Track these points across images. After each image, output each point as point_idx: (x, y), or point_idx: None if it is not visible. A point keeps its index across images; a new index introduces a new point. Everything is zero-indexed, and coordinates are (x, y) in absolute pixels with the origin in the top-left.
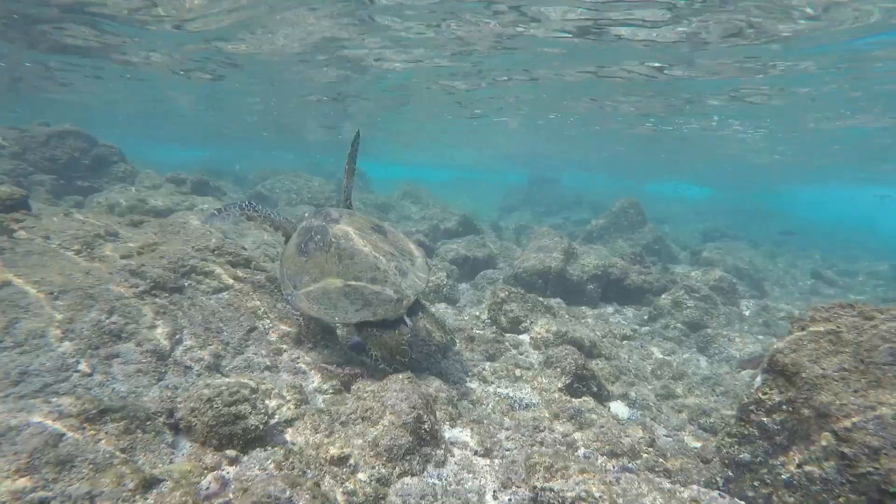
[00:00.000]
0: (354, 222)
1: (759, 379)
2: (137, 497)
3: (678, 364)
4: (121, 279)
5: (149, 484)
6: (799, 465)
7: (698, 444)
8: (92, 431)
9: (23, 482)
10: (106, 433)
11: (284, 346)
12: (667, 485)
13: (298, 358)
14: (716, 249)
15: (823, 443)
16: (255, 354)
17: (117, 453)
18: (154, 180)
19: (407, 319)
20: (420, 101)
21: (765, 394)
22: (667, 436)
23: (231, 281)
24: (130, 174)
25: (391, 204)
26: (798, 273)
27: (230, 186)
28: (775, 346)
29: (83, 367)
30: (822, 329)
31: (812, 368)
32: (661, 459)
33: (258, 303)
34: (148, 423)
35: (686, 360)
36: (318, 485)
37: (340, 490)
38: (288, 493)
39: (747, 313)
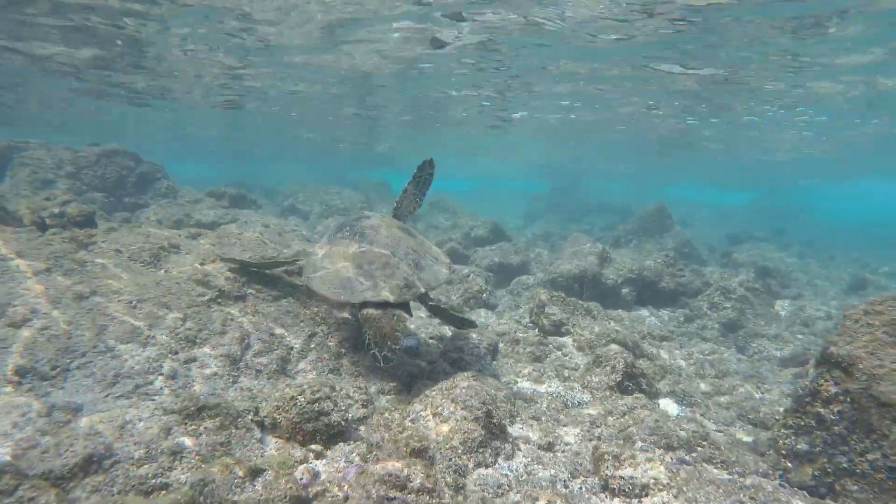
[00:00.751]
0: (386, 221)
1: (812, 372)
2: (247, 484)
3: (719, 363)
4: (189, 288)
5: (254, 473)
6: (861, 454)
7: (749, 439)
8: (193, 426)
9: (143, 470)
10: (205, 428)
11: (343, 351)
12: (725, 475)
13: (358, 361)
14: (746, 251)
15: (884, 430)
16: (318, 359)
17: (218, 447)
18: (194, 195)
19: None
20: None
21: (820, 385)
22: (718, 430)
23: (289, 289)
24: (172, 190)
25: (419, 214)
26: (831, 273)
27: (262, 200)
28: (829, 339)
29: (166, 370)
30: (876, 322)
31: (869, 359)
32: (716, 452)
33: (316, 309)
34: (239, 419)
35: (726, 360)
36: (427, 466)
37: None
38: (406, 472)
39: (783, 313)
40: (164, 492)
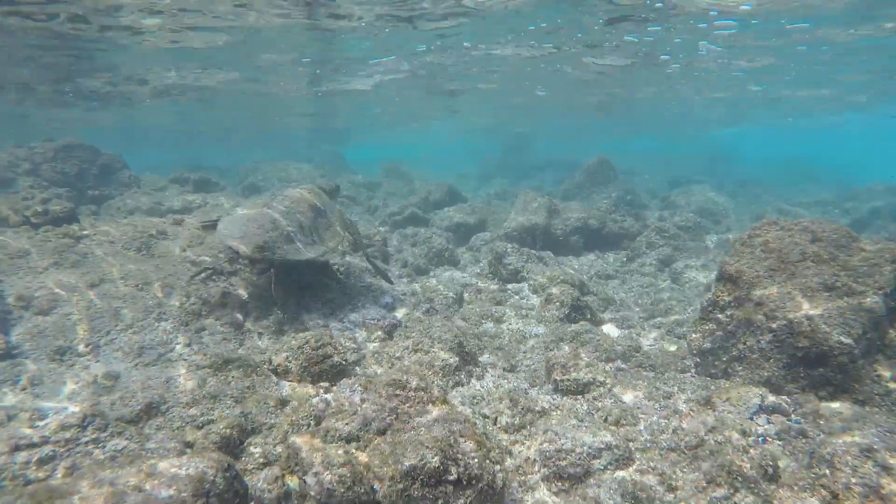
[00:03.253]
0: (300, 196)
1: (713, 286)
2: (278, 410)
3: (654, 293)
4: (185, 269)
5: (282, 403)
6: (744, 343)
7: (674, 348)
8: (223, 376)
9: (193, 411)
10: (233, 377)
11: (330, 311)
12: (651, 374)
13: (344, 318)
14: (681, 194)
15: (758, 323)
16: (309, 319)
17: (246, 389)
18: (158, 183)
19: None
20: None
21: (718, 296)
22: (650, 345)
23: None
24: (135, 180)
25: (377, 183)
26: (757, 208)
27: (221, 181)
28: (724, 259)
29: (181, 339)
30: (756, 242)
31: (749, 272)
32: (646, 359)
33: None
34: (258, 368)
35: (661, 289)
36: (420, 375)
37: None
38: (405, 377)
39: (711, 245)
40: (213, 424)
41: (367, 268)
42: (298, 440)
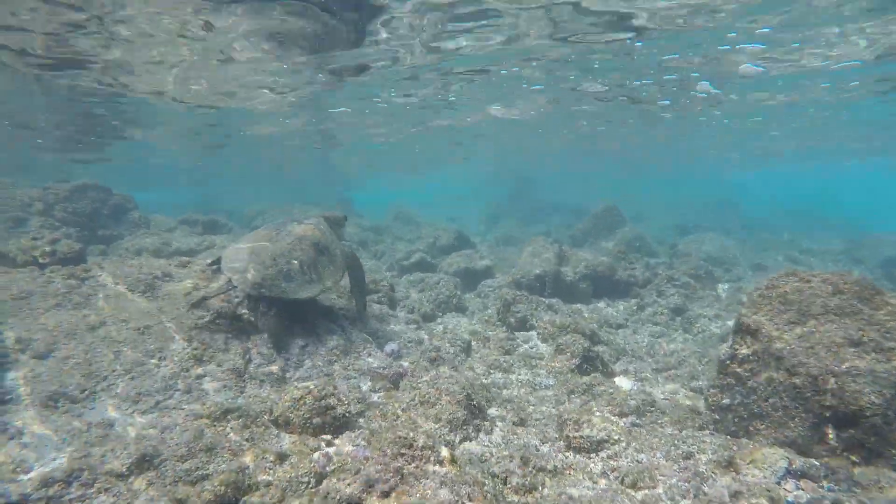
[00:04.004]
0: (305, 232)
1: (730, 339)
2: (277, 465)
3: (667, 343)
4: (189, 312)
5: (282, 457)
6: (766, 399)
7: (689, 402)
8: (221, 426)
9: (187, 465)
10: (231, 428)
11: (334, 358)
12: (668, 430)
13: (349, 366)
14: (691, 242)
15: (780, 379)
16: (313, 367)
17: (244, 442)
18: (167, 224)
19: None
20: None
21: (736, 349)
22: (664, 398)
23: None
24: (145, 220)
25: (384, 227)
26: (767, 256)
27: (229, 223)
28: (741, 311)
29: (181, 385)
30: (773, 294)
31: (769, 325)
32: (662, 415)
33: (304, 323)
34: (258, 419)
35: (673, 340)
36: (427, 433)
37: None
38: (412, 434)
39: (723, 295)
40: (207, 480)
41: (374, 313)
42: None
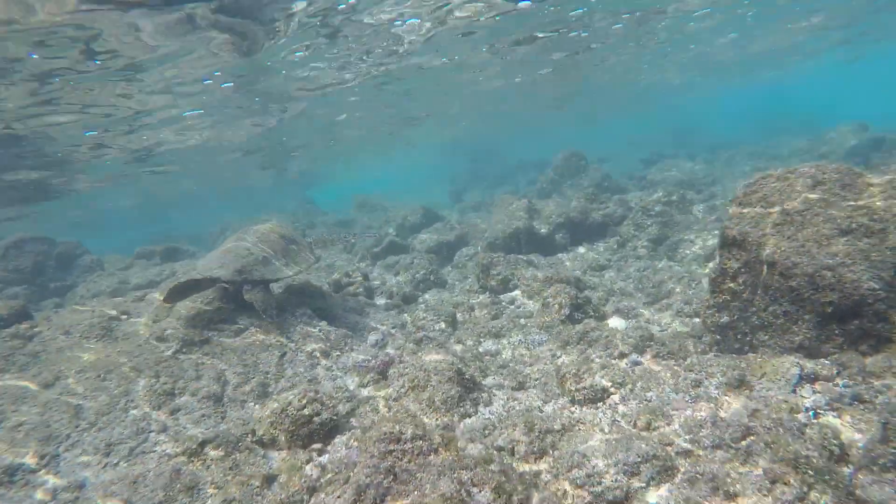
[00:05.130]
0: (268, 230)
1: (717, 255)
2: (265, 491)
3: (654, 275)
4: (151, 347)
5: (269, 480)
6: (764, 309)
7: (687, 329)
8: (200, 461)
9: None
10: (212, 459)
11: (316, 361)
12: (672, 362)
13: (332, 366)
14: (659, 171)
15: (776, 285)
16: (295, 374)
17: (228, 471)
18: (123, 262)
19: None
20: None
21: (725, 264)
22: (661, 330)
23: (248, 320)
24: (98, 263)
25: (350, 219)
26: (734, 170)
27: (192, 248)
28: (724, 223)
29: (155, 426)
30: (754, 199)
31: (754, 232)
32: (661, 347)
33: (278, 332)
34: (239, 443)
35: (660, 270)
36: (415, 418)
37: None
38: (398, 427)
39: (700, 215)
40: None
41: (352, 307)
42: None
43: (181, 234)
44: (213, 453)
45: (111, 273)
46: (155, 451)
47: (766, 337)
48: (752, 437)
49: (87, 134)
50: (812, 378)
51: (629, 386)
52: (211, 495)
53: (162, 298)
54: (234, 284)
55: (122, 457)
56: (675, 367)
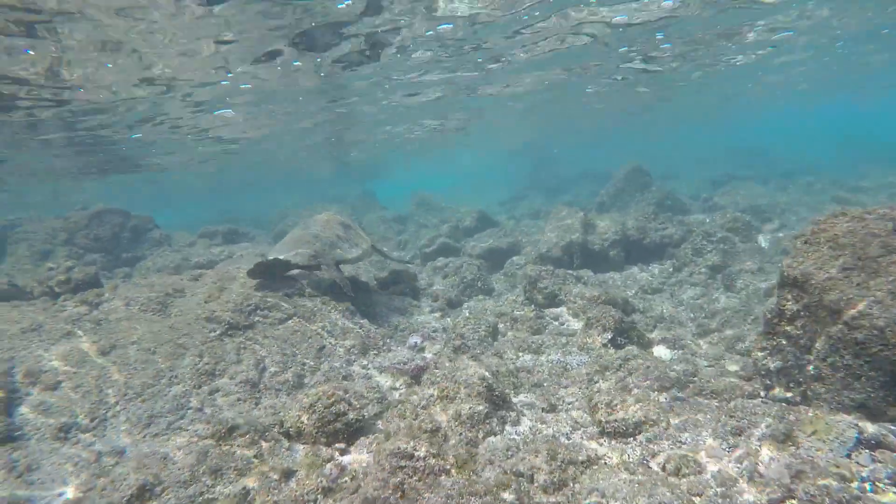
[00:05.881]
0: (328, 218)
1: (776, 293)
2: (283, 485)
3: (708, 305)
4: (200, 327)
5: (288, 475)
6: (823, 359)
7: (736, 367)
8: (227, 446)
9: (190, 490)
10: (238, 445)
11: (353, 358)
12: (714, 403)
13: (368, 365)
14: (726, 194)
15: (838, 335)
16: (331, 369)
17: (253, 459)
18: (188, 239)
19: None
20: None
21: (783, 305)
22: (708, 365)
23: (293, 309)
24: (166, 238)
25: (406, 216)
26: (811, 199)
27: (253, 231)
28: (785, 262)
29: (194, 403)
30: (822, 238)
31: (819, 274)
32: (706, 384)
33: (320, 324)
34: (266, 433)
35: (715, 300)
36: (432, 437)
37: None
38: (412, 443)
39: (765, 246)
40: None
41: (396, 306)
42: None
43: (244, 216)
44: (241, 439)
45: (176, 249)
46: (185, 431)
47: (823, 390)
48: (792, 502)
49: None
50: (873, 444)
51: (664, 424)
52: (232, 481)
53: (246, 273)
54: (309, 268)
55: (160, 429)
56: (717, 410)
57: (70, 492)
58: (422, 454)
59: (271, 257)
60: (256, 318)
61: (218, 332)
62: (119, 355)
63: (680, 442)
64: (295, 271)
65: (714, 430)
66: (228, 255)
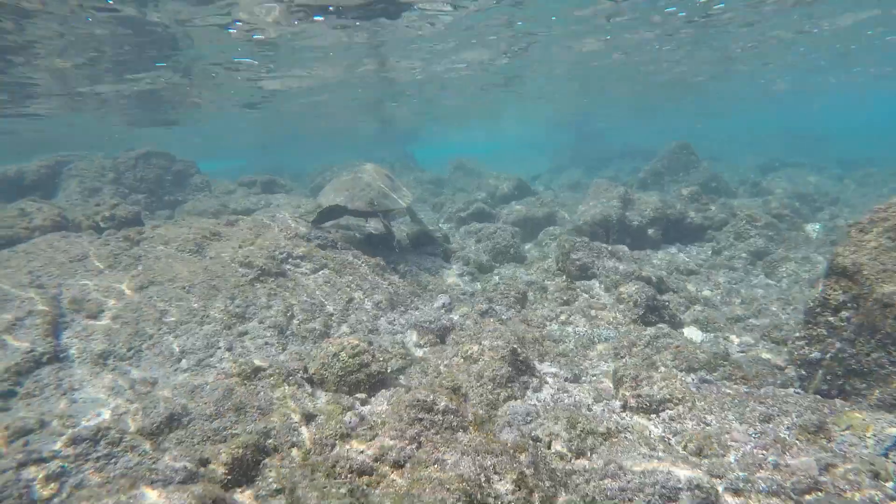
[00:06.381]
0: (374, 169)
1: (821, 283)
2: (302, 427)
3: (746, 290)
4: (233, 270)
5: (308, 418)
6: (868, 354)
7: (770, 356)
8: (252, 385)
9: (215, 424)
10: (262, 386)
11: (380, 313)
12: (743, 388)
13: (394, 321)
14: (776, 179)
15: (888, 329)
16: (358, 322)
17: (275, 401)
18: (227, 186)
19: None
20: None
21: (829, 295)
22: (741, 351)
23: (324, 261)
24: (207, 184)
25: (444, 179)
26: (869, 190)
27: (291, 184)
28: (837, 250)
29: (223, 343)
30: (879, 228)
31: (873, 265)
32: (736, 370)
33: (350, 277)
34: (290, 377)
35: (753, 286)
36: (452, 392)
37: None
38: (431, 396)
39: (814, 236)
40: (233, 439)
41: (427, 266)
42: (299, 476)
43: (285, 169)
44: (264, 381)
45: (216, 196)
46: (217, 368)
47: (863, 385)
48: (817, 494)
49: (237, 59)
50: None
51: (689, 403)
52: (254, 419)
53: (311, 222)
54: (364, 214)
55: (191, 365)
56: (746, 395)
57: (106, 413)
58: (441, 407)
59: (326, 203)
60: (288, 266)
61: (250, 277)
62: (156, 291)
63: (704, 423)
64: (338, 219)
65: (741, 415)
66: (266, 204)
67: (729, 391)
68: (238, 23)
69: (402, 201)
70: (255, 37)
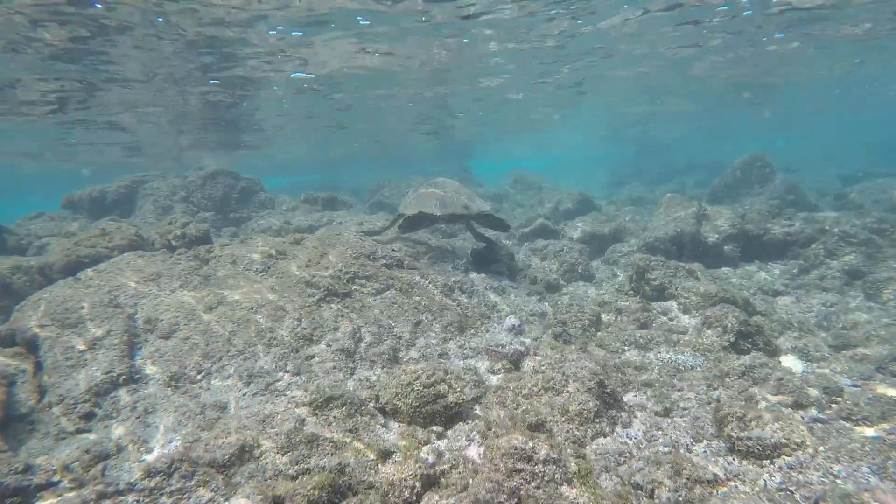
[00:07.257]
0: (450, 181)
1: None
2: (379, 465)
3: (846, 314)
4: (299, 290)
5: (384, 455)
6: None
7: (893, 392)
8: (323, 416)
9: (286, 458)
10: (334, 417)
11: (449, 336)
12: (870, 432)
13: (465, 344)
14: (866, 190)
15: None
16: (426, 345)
17: (347, 433)
18: (290, 203)
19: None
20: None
21: None
22: (853, 385)
23: (391, 281)
24: (270, 201)
25: (503, 194)
26: None
27: (350, 200)
28: None
29: (290, 367)
30: None
31: None
32: (855, 408)
33: (418, 298)
34: (363, 407)
35: (854, 310)
36: (549, 439)
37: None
38: (531, 444)
39: None
40: (307, 476)
41: (492, 285)
42: None
43: (342, 185)
44: (336, 411)
45: (279, 213)
46: (286, 394)
47: None
48: None
49: (294, 74)
50: None
51: (810, 450)
52: (328, 453)
53: (398, 227)
54: (454, 219)
55: (259, 389)
56: (876, 441)
57: (178, 440)
58: (541, 457)
59: (411, 213)
60: (354, 287)
61: (316, 298)
62: (224, 312)
63: (833, 475)
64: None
65: (879, 466)
66: (328, 221)
67: (853, 435)
68: None
69: (485, 205)
70: None
